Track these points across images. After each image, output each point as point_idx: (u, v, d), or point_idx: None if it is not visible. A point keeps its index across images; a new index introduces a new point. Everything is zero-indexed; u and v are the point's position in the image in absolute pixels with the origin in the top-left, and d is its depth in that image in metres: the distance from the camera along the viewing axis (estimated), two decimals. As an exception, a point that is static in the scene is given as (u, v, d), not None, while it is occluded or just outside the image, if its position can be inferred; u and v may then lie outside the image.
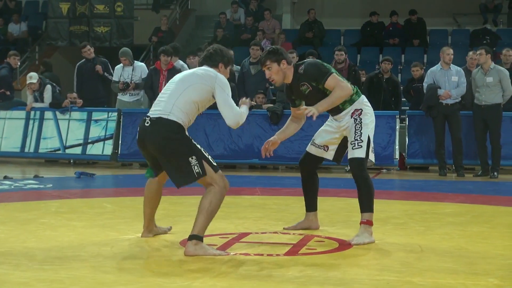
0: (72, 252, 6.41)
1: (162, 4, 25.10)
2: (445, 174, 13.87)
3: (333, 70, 7.15)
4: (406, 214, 8.93)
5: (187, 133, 6.57)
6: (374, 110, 14.85)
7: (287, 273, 5.68)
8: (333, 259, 6.23)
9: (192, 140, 6.55)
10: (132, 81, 15.57)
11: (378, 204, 9.74)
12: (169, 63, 15.17)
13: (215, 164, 6.55)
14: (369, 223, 7.03)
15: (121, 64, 15.85)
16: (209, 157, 6.55)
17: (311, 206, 7.74)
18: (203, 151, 6.56)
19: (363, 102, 7.27)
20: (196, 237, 6.37)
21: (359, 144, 7.07)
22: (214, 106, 13.89)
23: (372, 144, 7.14)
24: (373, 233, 6.99)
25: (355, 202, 9.82)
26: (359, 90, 7.38)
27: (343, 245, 6.77)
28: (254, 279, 5.49)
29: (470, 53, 14.59)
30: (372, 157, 7.13)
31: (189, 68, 15.02)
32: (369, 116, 7.21)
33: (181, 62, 15.72)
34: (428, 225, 8.07)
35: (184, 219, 8.23)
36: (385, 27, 22.02)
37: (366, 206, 7.12)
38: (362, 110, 7.19)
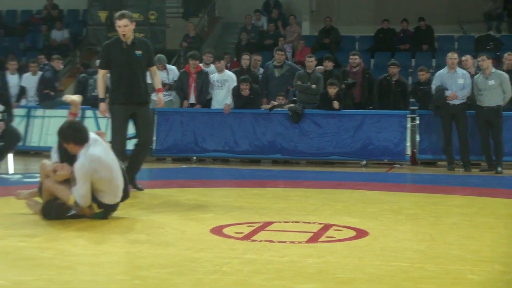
0: (111, 239, 6.43)
1: (191, 12, 25.14)
2: (453, 169, 13.79)
3: None
4: (417, 206, 8.90)
5: None
6: (383, 110, 15.03)
7: (308, 259, 5.67)
8: (350, 246, 6.21)
9: None
10: (167, 83, 15.56)
11: (391, 196, 9.79)
12: (197, 67, 15.17)
13: None
14: None
15: (155, 68, 15.85)
16: None
17: None
18: None
19: None
20: None
21: None
22: (238, 106, 13.88)
23: None
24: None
25: (370, 194, 9.88)
26: None
27: (360, 234, 6.75)
28: (277, 264, 5.49)
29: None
30: None
31: (217, 72, 15.14)
32: None
33: (213, 66, 15.64)
34: (438, 215, 8.03)
35: (213, 208, 8.25)
36: (396, 34, 21.95)
37: None
38: None
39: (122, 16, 9.42)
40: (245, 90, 14.53)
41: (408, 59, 20.86)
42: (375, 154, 14.52)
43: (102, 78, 9.59)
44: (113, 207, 7.40)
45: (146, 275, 5.15)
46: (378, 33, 21.99)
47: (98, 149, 7.23)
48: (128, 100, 9.49)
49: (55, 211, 7.25)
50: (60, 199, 7.25)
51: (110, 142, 8.76)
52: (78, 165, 7.09)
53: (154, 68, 9.88)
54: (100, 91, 9.57)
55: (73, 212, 7.31)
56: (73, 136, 7.20)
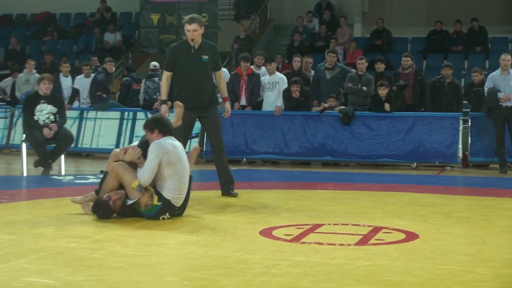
0: (162, 240, 6.48)
1: (243, 14, 25.18)
2: (506, 172, 13.65)
3: None
4: (468, 208, 8.81)
5: None
6: (436, 112, 14.89)
7: (357, 261, 5.66)
8: (400, 249, 6.18)
9: None
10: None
11: (442, 199, 9.70)
12: (248, 69, 15.21)
13: None
14: None
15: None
16: None
17: None
18: None
19: None
20: None
21: None
22: (289, 108, 13.74)
23: None
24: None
25: (420, 197, 9.81)
26: None
27: (410, 237, 6.71)
28: (326, 266, 5.49)
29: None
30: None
31: (268, 74, 15.17)
32: None
33: (264, 68, 15.63)
34: (489, 218, 7.95)
35: (263, 210, 8.26)
36: (449, 35, 21.76)
37: None
38: None
39: (192, 21, 9.31)
40: (296, 92, 14.54)
41: (461, 60, 20.67)
42: (426, 157, 14.42)
43: (166, 80, 9.50)
44: (170, 208, 7.48)
45: (195, 276, 5.19)
46: (430, 35, 21.82)
47: (177, 143, 7.69)
48: (192, 105, 9.39)
49: (102, 208, 7.46)
50: (123, 183, 7.55)
51: None
52: (153, 143, 7.54)
53: (219, 72, 9.78)
54: (164, 93, 9.48)
55: (129, 202, 7.45)
56: (159, 125, 7.67)
